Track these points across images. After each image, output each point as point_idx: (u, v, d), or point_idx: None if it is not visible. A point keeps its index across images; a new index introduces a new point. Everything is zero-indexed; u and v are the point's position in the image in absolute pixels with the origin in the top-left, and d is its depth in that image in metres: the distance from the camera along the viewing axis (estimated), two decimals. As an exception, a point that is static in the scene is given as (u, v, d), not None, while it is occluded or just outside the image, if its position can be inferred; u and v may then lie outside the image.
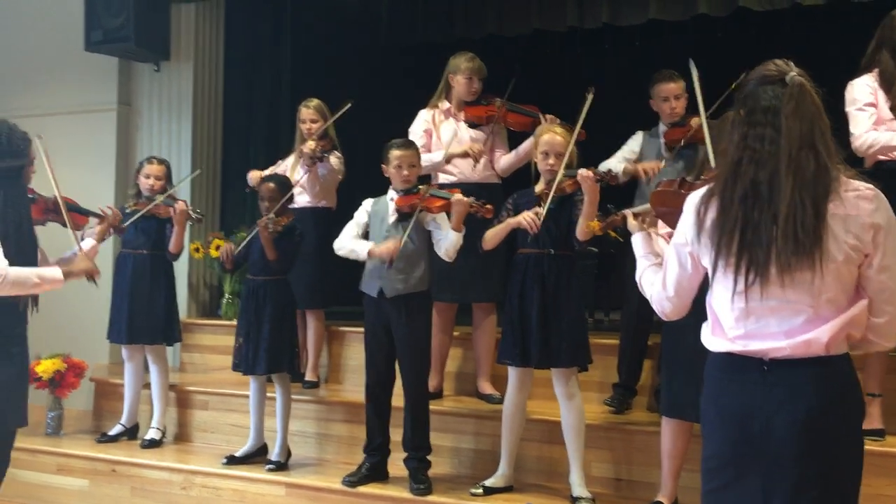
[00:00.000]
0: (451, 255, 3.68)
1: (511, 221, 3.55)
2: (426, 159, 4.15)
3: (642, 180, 4.06)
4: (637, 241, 2.44)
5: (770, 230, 1.89)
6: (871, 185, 1.94)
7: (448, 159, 4.33)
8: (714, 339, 2.06)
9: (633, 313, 4.09)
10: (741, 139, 1.96)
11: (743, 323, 1.99)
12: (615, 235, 2.99)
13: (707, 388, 2.09)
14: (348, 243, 3.84)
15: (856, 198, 1.91)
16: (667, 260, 2.16)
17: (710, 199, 2.01)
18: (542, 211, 3.47)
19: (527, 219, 3.48)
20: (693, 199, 2.07)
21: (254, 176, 4.74)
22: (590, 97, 3.60)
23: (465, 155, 4.32)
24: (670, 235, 2.26)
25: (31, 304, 3.20)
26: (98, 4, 5.47)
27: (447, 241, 3.66)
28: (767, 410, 1.94)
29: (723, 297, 2.01)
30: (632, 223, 2.56)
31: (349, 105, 4.49)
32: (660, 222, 2.65)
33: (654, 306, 2.22)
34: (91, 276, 3.43)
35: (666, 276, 2.15)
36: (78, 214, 3.93)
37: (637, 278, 2.31)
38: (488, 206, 3.61)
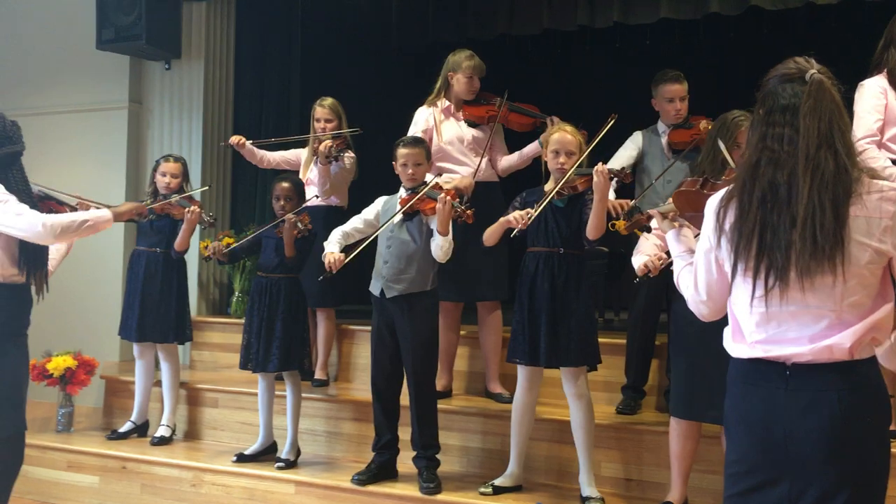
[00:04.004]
0: (439, 257, 3.65)
1: (502, 220, 3.53)
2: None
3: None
4: (670, 240, 2.39)
5: (789, 233, 1.84)
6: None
7: None
8: (735, 344, 2.01)
9: (640, 313, 4.08)
10: (760, 139, 1.91)
11: (764, 328, 1.93)
12: (640, 233, 2.96)
13: (730, 393, 2.03)
14: (333, 235, 3.83)
15: (879, 199, 1.84)
16: (696, 264, 2.10)
17: (730, 201, 1.96)
18: (534, 212, 3.44)
19: (515, 217, 3.47)
20: (713, 203, 2.02)
21: (234, 139, 4.73)
22: (611, 121, 3.60)
23: None
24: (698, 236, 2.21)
25: (42, 288, 3.27)
26: (109, 3, 5.49)
27: (433, 243, 3.65)
28: (790, 417, 1.89)
29: (743, 302, 1.95)
30: (661, 223, 2.49)
31: (359, 130, 4.63)
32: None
33: (691, 308, 2.15)
34: (141, 214, 3.93)
35: (697, 280, 2.08)
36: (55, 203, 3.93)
37: (675, 280, 2.25)
38: (469, 212, 3.53)
